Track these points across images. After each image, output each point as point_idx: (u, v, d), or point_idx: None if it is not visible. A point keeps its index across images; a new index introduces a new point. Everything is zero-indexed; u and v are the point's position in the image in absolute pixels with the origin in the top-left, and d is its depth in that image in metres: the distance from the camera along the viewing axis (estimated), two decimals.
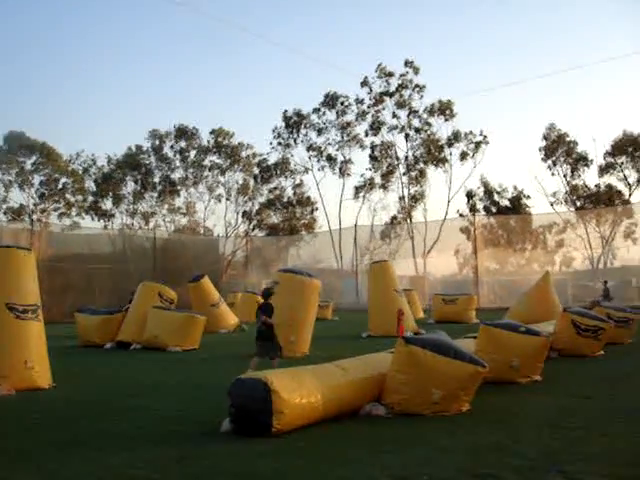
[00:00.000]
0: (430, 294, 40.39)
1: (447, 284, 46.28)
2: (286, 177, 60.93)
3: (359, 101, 58.23)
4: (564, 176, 52.50)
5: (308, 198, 61.11)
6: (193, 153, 61.12)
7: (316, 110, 59.41)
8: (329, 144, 59.39)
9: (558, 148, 52.22)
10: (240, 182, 60.93)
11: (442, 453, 6.48)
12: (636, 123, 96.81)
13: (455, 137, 56.11)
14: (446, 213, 54.65)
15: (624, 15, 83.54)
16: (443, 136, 56.54)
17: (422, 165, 57.16)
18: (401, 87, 57.07)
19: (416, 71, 56.45)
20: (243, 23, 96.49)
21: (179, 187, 61.28)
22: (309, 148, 59.60)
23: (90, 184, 59.97)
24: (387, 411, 8.43)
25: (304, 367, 8.47)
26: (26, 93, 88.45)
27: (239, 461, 6.30)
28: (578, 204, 52.18)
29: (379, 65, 57.24)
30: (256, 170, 61.03)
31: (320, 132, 59.53)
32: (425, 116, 56.71)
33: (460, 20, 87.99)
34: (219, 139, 60.53)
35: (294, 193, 61.08)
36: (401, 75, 56.89)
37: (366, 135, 58.47)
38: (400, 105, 56.97)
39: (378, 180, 58.21)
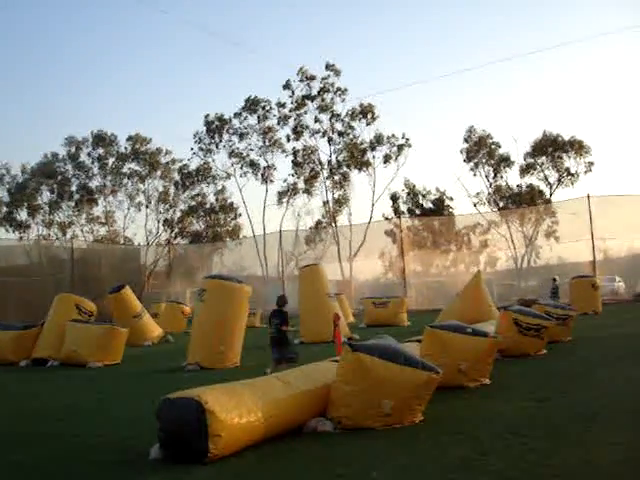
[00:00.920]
0: (357, 298, 39.96)
1: (374, 287, 45.90)
2: (208, 183, 59.62)
3: (281, 105, 57.46)
4: (486, 177, 52.94)
5: (231, 204, 59.98)
6: (111, 160, 59.12)
7: (237, 115, 58.39)
8: (251, 149, 58.43)
9: (480, 150, 52.57)
10: (160, 189, 59.32)
11: (405, 474, 5.73)
12: (556, 124, 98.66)
13: (378, 140, 55.87)
14: (371, 216, 54.39)
15: (543, 7, 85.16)
16: (366, 140, 56.27)
17: (345, 169, 56.72)
18: (323, 91, 56.55)
19: (337, 74, 56.05)
20: (162, 25, 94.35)
21: (97, 196, 59.22)
22: (231, 154, 58.47)
23: (3, 194, 57.44)
24: (334, 426, 7.63)
25: (242, 382, 7.58)
26: None
27: None
28: (501, 204, 52.63)
29: (301, 68, 56.64)
30: (177, 176, 59.53)
31: (242, 137, 58.49)
32: (347, 120, 56.33)
33: (381, 21, 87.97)
34: (136, 145, 58.77)
35: (216, 199, 59.83)
36: (323, 78, 56.40)
37: (288, 140, 57.76)
38: (322, 109, 56.44)
39: (301, 185, 57.54)
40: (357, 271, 50.10)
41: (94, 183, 59.28)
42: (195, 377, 13.29)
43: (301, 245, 52.80)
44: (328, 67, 56.02)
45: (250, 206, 68.06)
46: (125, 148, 59.08)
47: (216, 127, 58.66)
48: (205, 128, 58.67)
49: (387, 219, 54.01)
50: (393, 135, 55.59)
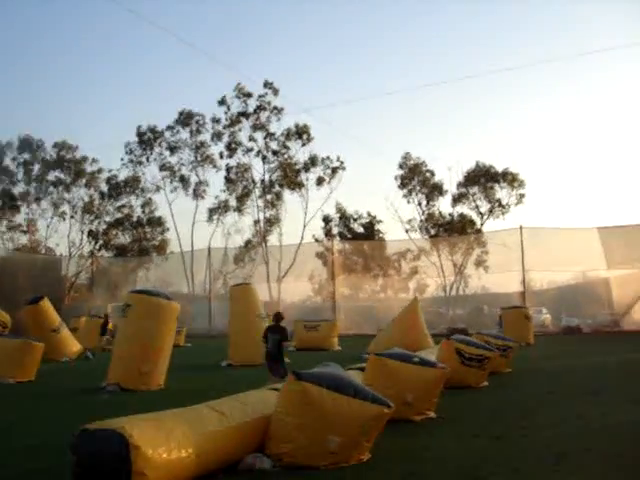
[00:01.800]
0: (286, 320, 39.03)
1: (302, 310, 45.13)
2: (137, 196, 57.94)
3: (215, 120, 56.44)
4: (419, 204, 52.90)
5: (159, 219, 58.35)
6: (37, 167, 56.91)
7: (170, 128, 57.12)
8: (182, 164, 57.16)
9: (414, 177, 52.56)
10: (86, 199, 57.34)
11: None
12: (488, 155, 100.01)
13: (312, 162, 55.35)
14: (302, 238, 53.66)
15: (484, 32, 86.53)
16: (300, 160, 55.67)
17: (278, 189, 55.97)
18: (259, 109, 55.78)
19: (275, 92, 55.35)
20: (99, 25, 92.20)
21: (20, 203, 56.82)
22: (162, 167, 57.08)
23: None
24: (273, 464, 6.82)
25: (172, 411, 6.68)
26: None
27: None
28: (432, 232, 52.63)
29: (237, 85, 55.75)
30: (104, 187, 57.73)
31: (173, 151, 57.20)
32: (282, 139, 55.66)
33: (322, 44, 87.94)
34: (62, 152, 56.79)
35: (143, 212, 58.17)
36: (260, 96, 55.64)
37: (221, 157, 56.70)
38: (257, 127, 55.66)
39: (233, 203, 56.47)
40: (285, 293, 49.35)
41: (17, 189, 56.94)
42: (114, 400, 12.29)
43: (230, 263, 51.73)
44: (266, 85, 55.37)
45: (179, 221, 66.88)
46: (50, 155, 57.03)
47: (148, 139, 57.26)
48: (137, 139, 57.23)
49: (318, 241, 53.42)
50: (328, 157, 55.21)
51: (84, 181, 57.15)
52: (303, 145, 55.45)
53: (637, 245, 35.35)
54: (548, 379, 14.54)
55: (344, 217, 55.20)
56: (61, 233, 57.04)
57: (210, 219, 56.34)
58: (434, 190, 52.63)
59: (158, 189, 57.37)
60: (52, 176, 56.79)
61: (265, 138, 55.62)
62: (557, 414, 9.83)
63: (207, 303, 45.89)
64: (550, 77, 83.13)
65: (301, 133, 55.39)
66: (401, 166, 53.00)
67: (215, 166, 56.92)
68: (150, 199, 58.10)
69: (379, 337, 22.32)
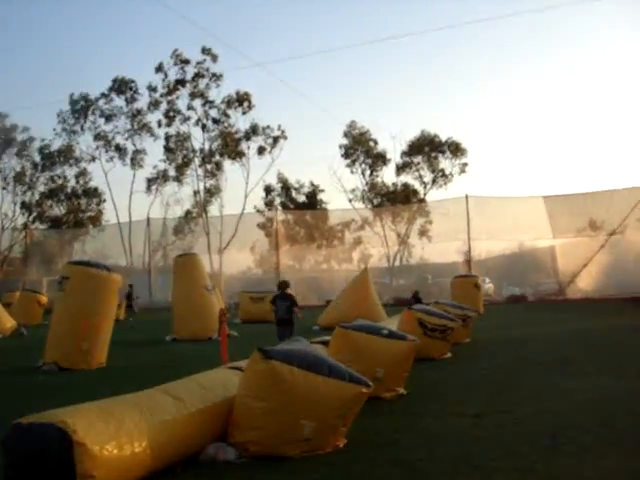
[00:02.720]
0: (228, 292, 38.30)
1: (245, 282, 44.20)
2: (71, 165, 55.89)
3: (152, 89, 54.57)
4: (362, 174, 52.25)
5: (95, 189, 56.46)
6: None
7: (104, 95, 55.10)
8: (118, 132, 55.28)
9: (358, 146, 51.85)
10: (18, 169, 55.03)
11: None
12: (433, 123, 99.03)
13: (253, 131, 54.09)
14: (243, 208, 52.52)
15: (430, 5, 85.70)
16: (241, 129, 54.35)
17: (219, 158, 54.59)
18: (198, 76, 54.11)
19: (214, 59, 53.71)
20: None
21: None
22: (97, 136, 55.12)
23: None
24: (238, 454, 5.98)
25: (121, 398, 5.76)
26: None
27: None
28: (376, 202, 52.09)
29: (174, 51, 53.88)
30: (37, 157, 55.48)
31: (108, 119, 55.26)
32: (223, 107, 54.21)
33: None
34: None
35: (78, 183, 56.19)
36: (198, 63, 53.91)
37: (159, 125, 54.96)
38: (196, 95, 54.02)
39: (172, 172, 54.89)
40: (227, 264, 48.40)
41: None
42: (52, 381, 11.28)
43: (169, 235, 50.40)
44: (204, 51, 53.66)
45: (116, 192, 64.79)
46: None
47: (81, 107, 55.18)
48: (70, 107, 55.07)
49: (260, 212, 52.44)
50: (268, 126, 53.99)
51: (15, 150, 54.87)
52: (244, 113, 54.12)
53: (581, 214, 35.42)
54: (510, 350, 14.01)
55: (286, 187, 54.29)
56: None
57: (149, 189, 54.67)
58: (378, 159, 52.05)
59: (93, 159, 55.48)
60: None
61: (204, 106, 54.11)
62: (532, 387, 9.22)
63: (146, 276, 44.70)
64: (492, 40, 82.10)
65: (242, 101, 54.00)
66: (346, 135, 52.25)
67: (153, 135, 55.22)
68: (85, 169, 56.22)
69: (329, 309, 21.67)
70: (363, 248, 48.13)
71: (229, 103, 54.02)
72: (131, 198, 54.63)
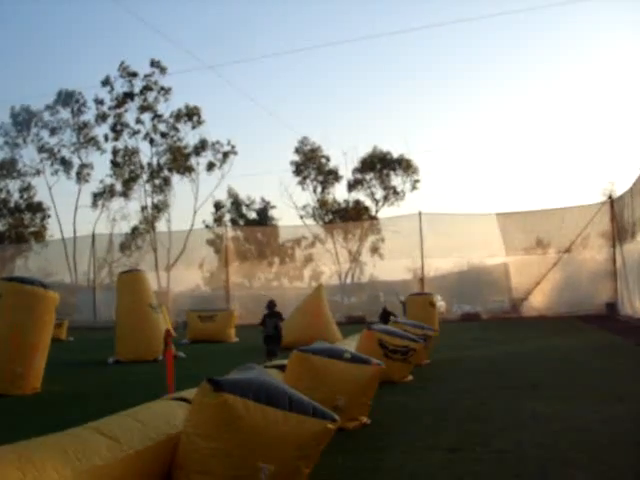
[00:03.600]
0: (176, 310, 37.22)
1: (193, 300, 43.12)
2: (13, 178, 54.22)
3: (99, 102, 53.30)
4: (314, 190, 51.71)
5: (39, 204, 54.91)
6: None
7: (49, 107, 53.68)
8: (63, 145, 53.87)
9: (309, 163, 51.33)
10: None
11: None
12: (385, 140, 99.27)
13: (202, 146, 53.21)
14: (192, 224, 51.52)
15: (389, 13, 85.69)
16: (190, 144, 53.39)
17: (167, 173, 53.51)
18: (146, 89, 53.03)
19: (163, 71, 52.74)
20: None
21: None
22: (41, 149, 53.61)
23: None
24: None
25: (44, 439, 4.81)
26: None
27: None
28: (327, 219, 51.58)
29: (121, 64, 52.76)
30: None
31: (53, 132, 53.84)
32: (172, 121, 53.19)
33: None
34: None
35: (22, 197, 54.50)
36: (146, 76, 52.85)
37: (106, 139, 53.70)
38: (145, 108, 52.91)
39: (119, 187, 53.66)
40: (175, 282, 47.25)
41: None
42: None
43: (115, 251, 49.05)
44: (153, 64, 52.67)
45: (60, 207, 62.70)
46: None
47: (23, 119, 53.67)
48: (11, 120, 53.57)
49: (209, 227, 51.48)
50: (218, 142, 53.22)
51: None
52: (193, 128, 53.30)
53: (533, 231, 35.31)
54: (474, 371, 13.31)
55: (237, 202, 53.49)
56: None
57: (94, 204, 53.56)
58: (329, 176, 51.63)
59: (38, 172, 53.95)
60: None
61: (153, 120, 53.04)
62: (507, 414, 8.51)
63: (91, 293, 43.30)
64: (444, 54, 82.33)
65: (191, 115, 53.15)
66: (297, 151, 51.73)
67: (100, 148, 54.03)
68: (29, 183, 54.66)
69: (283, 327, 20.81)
70: (314, 265, 47.45)
71: (178, 117, 53.13)
72: (76, 213, 53.36)
